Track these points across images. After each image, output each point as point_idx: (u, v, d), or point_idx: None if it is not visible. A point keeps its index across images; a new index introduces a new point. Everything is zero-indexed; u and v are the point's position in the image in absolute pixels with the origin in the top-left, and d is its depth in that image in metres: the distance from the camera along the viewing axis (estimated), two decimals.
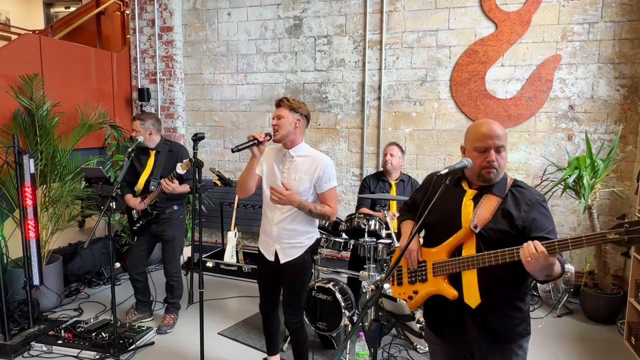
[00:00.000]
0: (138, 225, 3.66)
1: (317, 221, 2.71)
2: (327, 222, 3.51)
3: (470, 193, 1.74)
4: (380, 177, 3.84)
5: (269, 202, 2.55)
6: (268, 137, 2.43)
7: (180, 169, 3.21)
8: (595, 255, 4.13)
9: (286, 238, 2.59)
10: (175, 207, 3.68)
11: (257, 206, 5.00)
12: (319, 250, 2.80)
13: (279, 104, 2.53)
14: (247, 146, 2.37)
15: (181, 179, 3.43)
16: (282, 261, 2.61)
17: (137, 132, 3.53)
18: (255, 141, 2.38)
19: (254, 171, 2.54)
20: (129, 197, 3.65)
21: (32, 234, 3.47)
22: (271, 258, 2.65)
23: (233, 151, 2.36)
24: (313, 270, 3.88)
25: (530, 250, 1.44)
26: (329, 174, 2.52)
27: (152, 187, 3.54)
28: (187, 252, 4.74)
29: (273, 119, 2.54)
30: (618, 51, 4.10)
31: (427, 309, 1.89)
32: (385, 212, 3.43)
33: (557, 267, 1.54)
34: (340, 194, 5.10)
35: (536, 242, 1.45)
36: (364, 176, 4.85)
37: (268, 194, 2.52)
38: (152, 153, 3.63)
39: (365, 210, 3.70)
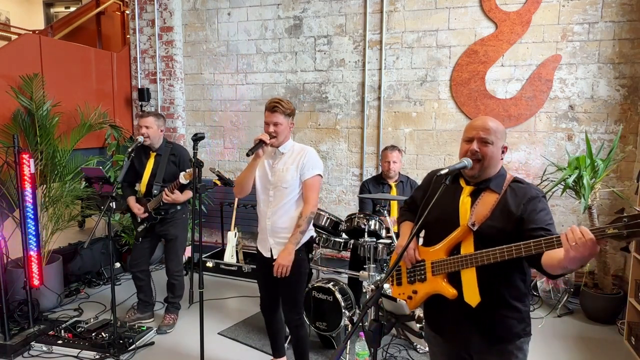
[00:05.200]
0: (142, 227, 3.67)
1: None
2: (326, 221, 3.52)
3: (467, 190, 1.75)
4: (380, 180, 3.84)
5: (262, 198, 2.68)
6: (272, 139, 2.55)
7: (183, 179, 3.21)
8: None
9: (280, 232, 2.62)
10: (179, 207, 3.67)
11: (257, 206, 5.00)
12: (314, 249, 2.78)
13: (274, 109, 2.53)
14: (258, 147, 2.49)
15: (183, 187, 3.43)
16: (275, 256, 2.62)
17: (148, 128, 3.45)
18: (263, 143, 2.48)
19: (254, 171, 2.63)
20: (131, 201, 3.65)
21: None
22: (267, 254, 2.68)
23: (248, 155, 2.46)
24: (310, 268, 3.89)
25: (577, 235, 1.32)
26: (312, 161, 2.59)
27: (155, 192, 3.54)
28: (187, 252, 4.74)
29: (268, 124, 2.55)
30: (618, 51, 4.10)
31: (427, 309, 1.89)
32: (387, 217, 3.42)
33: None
34: (340, 194, 5.11)
35: (583, 227, 1.34)
36: (364, 176, 4.86)
37: (260, 188, 2.67)
38: (153, 155, 3.60)
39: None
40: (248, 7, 5.19)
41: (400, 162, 3.83)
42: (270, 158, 2.66)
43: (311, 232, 2.74)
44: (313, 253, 2.82)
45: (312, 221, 2.67)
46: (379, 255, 3.24)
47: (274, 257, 2.63)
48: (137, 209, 3.60)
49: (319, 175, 2.62)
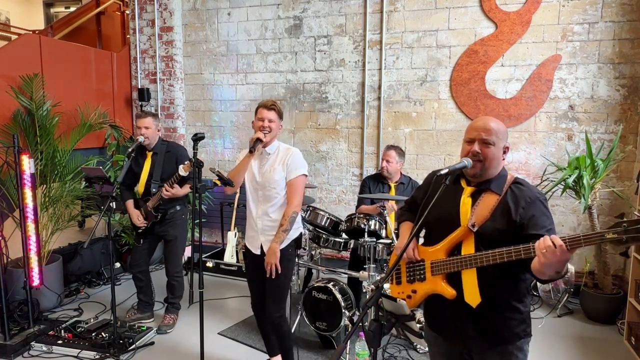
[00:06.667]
0: (142, 227, 3.66)
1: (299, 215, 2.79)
2: (326, 221, 3.52)
3: (468, 190, 1.74)
4: (380, 179, 3.81)
5: (251, 197, 2.76)
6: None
7: (182, 172, 3.22)
8: (595, 255, 4.13)
9: (270, 230, 2.68)
10: (178, 207, 3.68)
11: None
12: (302, 245, 2.84)
13: (272, 107, 2.65)
14: (257, 145, 2.59)
15: (182, 181, 3.44)
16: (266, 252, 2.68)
17: (147, 128, 3.47)
18: (260, 141, 2.59)
19: (247, 167, 2.71)
20: (130, 206, 3.65)
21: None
22: (257, 252, 2.74)
23: (251, 152, 2.57)
24: (310, 268, 3.90)
25: (546, 243, 1.39)
26: (297, 162, 2.67)
27: (154, 190, 3.54)
28: (187, 252, 4.74)
29: (262, 120, 2.64)
30: (618, 51, 4.10)
31: (427, 309, 1.89)
32: (383, 208, 3.39)
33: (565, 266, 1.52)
34: (340, 194, 5.11)
35: (554, 236, 1.41)
36: (364, 176, 4.86)
37: (249, 188, 2.75)
38: (149, 155, 3.60)
39: (365, 207, 3.68)
40: (248, 7, 5.19)
41: (397, 163, 3.68)
42: (257, 159, 2.74)
43: (300, 229, 2.80)
44: (300, 250, 2.90)
45: (296, 219, 2.70)
46: (379, 255, 3.24)
47: (265, 253, 2.69)
48: (137, 217, 3.60)
49: (304, 175, 2.69)
